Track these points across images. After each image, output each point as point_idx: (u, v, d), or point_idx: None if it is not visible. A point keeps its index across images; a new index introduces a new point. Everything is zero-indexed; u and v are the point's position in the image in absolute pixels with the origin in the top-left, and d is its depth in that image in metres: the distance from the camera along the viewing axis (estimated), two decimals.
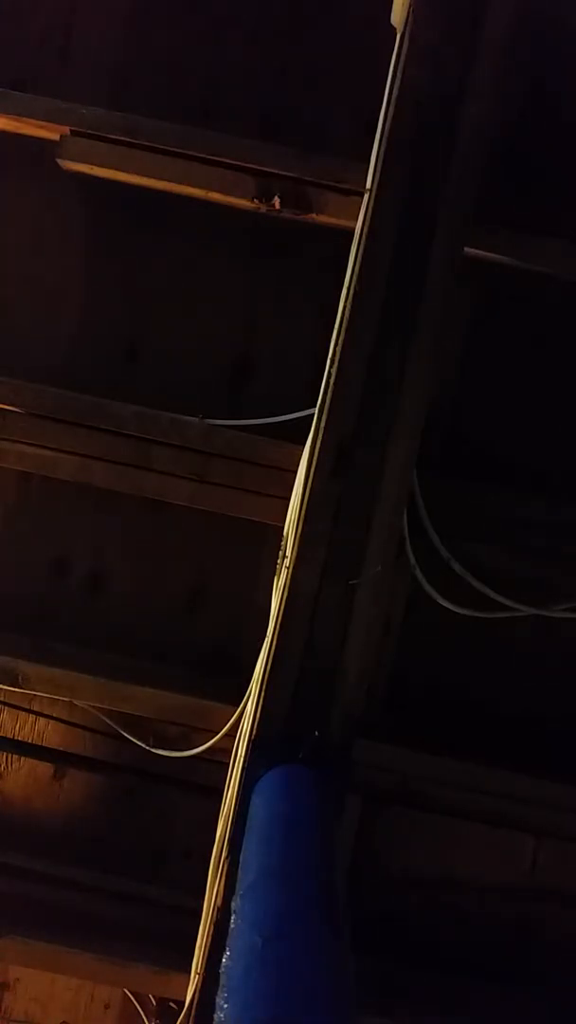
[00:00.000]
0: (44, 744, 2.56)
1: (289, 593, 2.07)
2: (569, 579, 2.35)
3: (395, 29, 2.03)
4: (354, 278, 2.02)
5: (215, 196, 2.30)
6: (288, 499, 2.19)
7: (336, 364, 2.04)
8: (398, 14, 2.02)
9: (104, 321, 2.48)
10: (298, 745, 2.08)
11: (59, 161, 2.32)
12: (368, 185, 2.04)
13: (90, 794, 2.55)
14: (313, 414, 2.10)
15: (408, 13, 1.96)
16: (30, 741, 2.56)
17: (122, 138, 2.27)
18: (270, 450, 2.34)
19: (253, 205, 2.28)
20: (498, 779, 2.25)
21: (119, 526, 2.51)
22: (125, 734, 2.48)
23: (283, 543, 2.16)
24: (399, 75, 1.97)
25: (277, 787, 1.98)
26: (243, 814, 1.96)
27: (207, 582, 2.52)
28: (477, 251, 2.21)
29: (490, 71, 1.98)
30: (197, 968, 2.08)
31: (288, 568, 2.08)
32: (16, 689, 2.43)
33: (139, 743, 2.47)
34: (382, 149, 2.00)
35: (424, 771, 2.25)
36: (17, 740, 2.56)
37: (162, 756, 2.45)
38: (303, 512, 2.06)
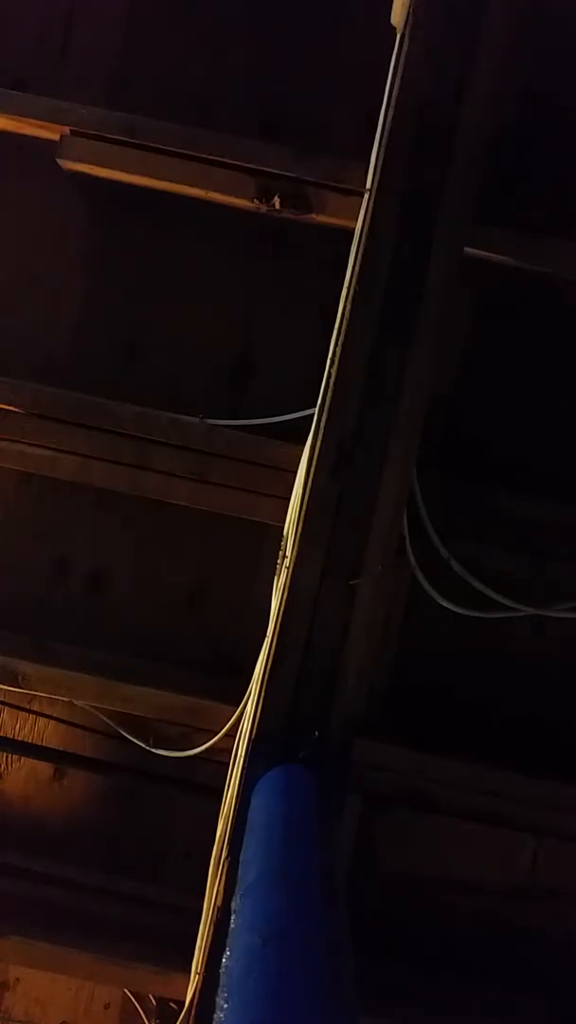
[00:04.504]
0: (44, 744, 2.56)
1: (289, 593, 2.08)
2: (569, 579, 2.35)
3: (395, 29, 2.03)
4: (354, 278, 2.02)
5: (215, 196, 2.31)
6: (288, 499, 2.19)
7: (336, 364, 2.04)
8: (398, 14, 2.02)
9: (104, 321, 2.48)
10: (298, 745, 2.08)
11: (59, 161, 2.32)
12: (368, 185, 2.05)
13: (90, 794, 2.55)
14: (313, 414, 2.10)
15: (408, 13, 1.96)
16: (30, 741, 2.56)
17: (122, 138, 2.27)
18: (270, 450, 2.34)
19: (253, 205, 2.28)
20: (498, 779, 2.25)
21: (119, 526, 2.51)
22: (125, 734, 2.48)
23: (283, 543, 2.16)
24: (399, 75, 1.98)
25: (277, 787, 1.98)
26: (243, 814, 1.96)
27: (207, 582, 2.52)
28: (477, 251, 2.21)
29: (490, 71, 1.99)
30: (197, 968, 2.08)
31: (288, 568, 2.08)
32: (16, 689, 2.43)
33: (139, 743, 2.47)
34: (382, 149, 2.00)
35: (424, 771, 2.24)
36: (17, 740, 2.56)
37: (162, 756, 2.45)
38: (303, 512, 2.06)
